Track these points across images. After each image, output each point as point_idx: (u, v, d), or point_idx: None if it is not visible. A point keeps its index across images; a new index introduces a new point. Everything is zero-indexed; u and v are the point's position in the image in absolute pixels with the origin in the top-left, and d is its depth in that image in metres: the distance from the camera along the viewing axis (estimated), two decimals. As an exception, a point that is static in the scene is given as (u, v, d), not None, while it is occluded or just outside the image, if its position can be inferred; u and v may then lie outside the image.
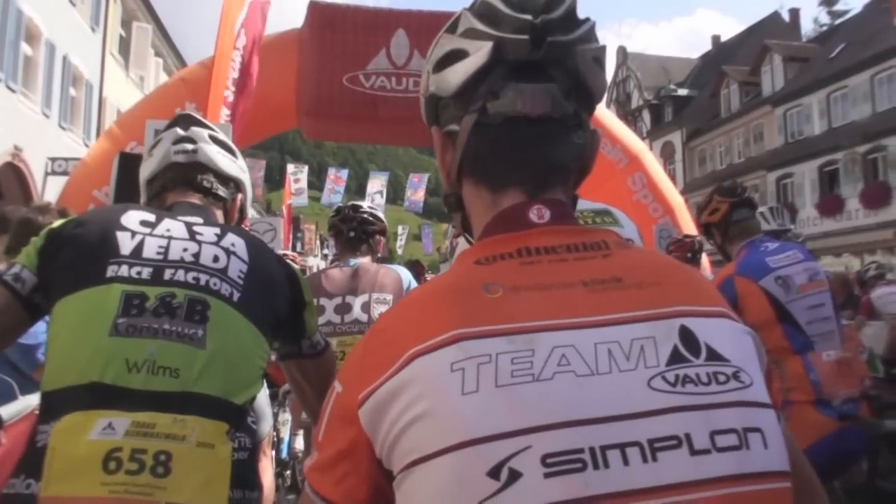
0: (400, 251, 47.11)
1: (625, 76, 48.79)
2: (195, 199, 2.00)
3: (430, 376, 0.85)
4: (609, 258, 0.99)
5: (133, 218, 1.81)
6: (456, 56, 1.06)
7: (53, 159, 16.42)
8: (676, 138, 41.91)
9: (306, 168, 30.08)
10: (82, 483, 1.44)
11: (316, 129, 13.61)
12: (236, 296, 1.78)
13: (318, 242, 52.27)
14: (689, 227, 11.82)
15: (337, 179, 30.87)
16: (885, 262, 26.40)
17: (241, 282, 1.81)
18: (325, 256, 35.26)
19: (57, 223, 1.81)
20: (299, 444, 5.89)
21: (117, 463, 1.46)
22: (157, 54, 26.38)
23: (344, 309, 3.86)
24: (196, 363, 1.63)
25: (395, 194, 46.59)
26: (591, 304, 0.91)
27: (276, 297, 1.91)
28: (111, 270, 1.68)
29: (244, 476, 1.69)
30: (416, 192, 31.14)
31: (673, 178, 32.38)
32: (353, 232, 4.27)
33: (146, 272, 1.70)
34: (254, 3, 8.35)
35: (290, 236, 28.50)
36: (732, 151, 37.73)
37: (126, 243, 1.74)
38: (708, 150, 39.97)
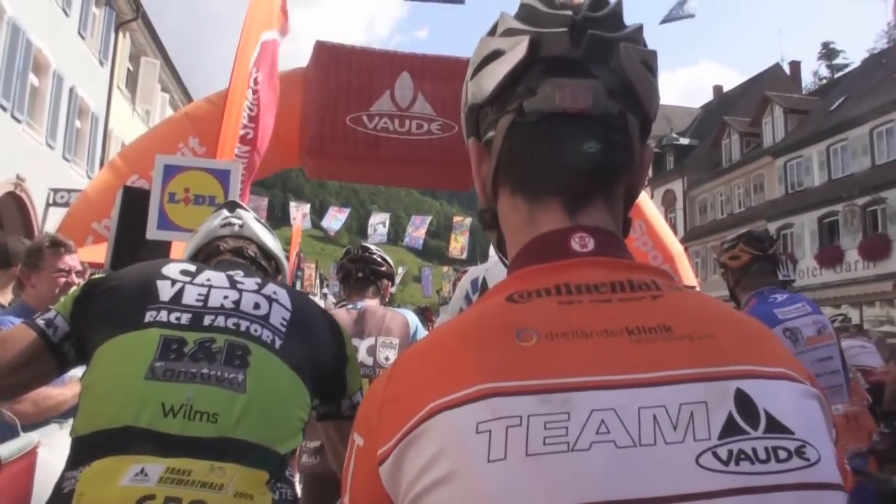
0: (393, 290, 47.14)
1: (627, 123, 49.09)
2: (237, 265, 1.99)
3: (453, 436, 0.75)
4: (658, 301, 0.88)
5: (174, 268, 1.83)
6: (492, 57, 0.99)
7: (56, 190, 16.43)
8: (678, 187, 42.06)
9: (308, 206, 30.17)
10: None
11: (318, 169, 13.67)
12: (278, 343, 1.75)
13: (317, 281, 52.20)
14: (688, 275, 11.80)
15: (339, 212, 31.00)
16: (882, 314, 26.38)
17: (283, 329, 1.79)
18: (324, 296, 35.13)
19: (97, 276, 1.83)
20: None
21: None
22: (164, 89, 26.61)
23: None
24: (235, 407, 1.58)
25: (395, 235, 46.55)
26: (636, 359, 0.80)
27: (320, 349, 1.87)
28: (149, 316, 1.67)
29: None
30: (418, 229, 31.24)
31: (674, 226, 32.49)
32: (361, 273, 4.33)
33: (185, 318, 1.69)
34: (266, 43, 8.45)
35: (293, 276, 28.52)
36: (733, 201, 37.85)
37: (166, 290, 1.74)
38: (709, 199, 40.09)
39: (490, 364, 0.80)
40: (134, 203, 5.59)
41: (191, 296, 1.74)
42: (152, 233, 5.10)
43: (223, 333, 1.69)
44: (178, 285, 1.76)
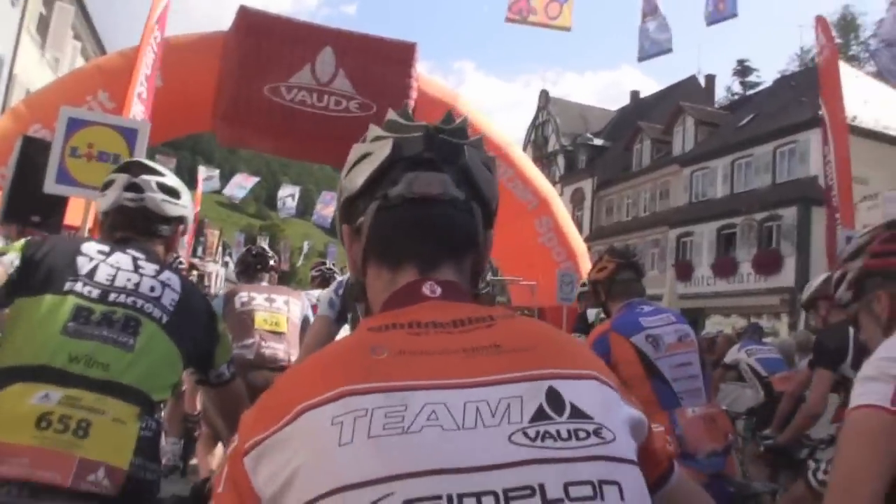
0: (298, 264, 46.71)
1: (544, 119, 49.71)
2: (141, 238, 2.47)
3: (312, 429, 0.93)
4: (492, 328, 1.08)
5: (92, 247, 2.33)
6: (362, 158, 1.21)
7: (-50, 132, 15.67)
8: (587, 186, 42.90)
9: (217, 172, 29.52)
10: (18, 434, 1.90)
11: (231, 136, 13.44)
12: (165, 319, 2.27)
13: (220, 248, 51.10)
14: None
15: (246, 179, 30.51)
16: (768, 326, 27.52)
17: (171, 309, 2.30)
18: (225, 264, 34.43)
19: (25, 241, 2.30)
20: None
21: (48, 423, 1.92)
22: (76, 37, 25.59)
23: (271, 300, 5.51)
24: (123, 361, 2.12)
25: (304, 209, 45.98)
26: (466, 368, 0.99)
27: (197, 328, 2.40)
28: (68, 285, 2.18)
29: (147, 450, 2.07)
30: (327, 206, 30.96)
31: (580, 225, 33.15)
32: (259, 265, 5.86)
33: (95, 293, 2.20)
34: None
35: (193, 241, 27.91)
36: (639, 205, 38.85)
37: (84, 265, 2.24)
38: (616, 200, 41.04)
39: (348, 372, 0.99)
40: (33, 154, 5.41)
41: (102, 274, 2.25)
42: (50, 186, 4.95)
43: (123, 308, 2.21)
44: (94, 262, 2.26)
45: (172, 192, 2.53)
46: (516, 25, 9.65)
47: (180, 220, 2.59)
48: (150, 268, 2.35)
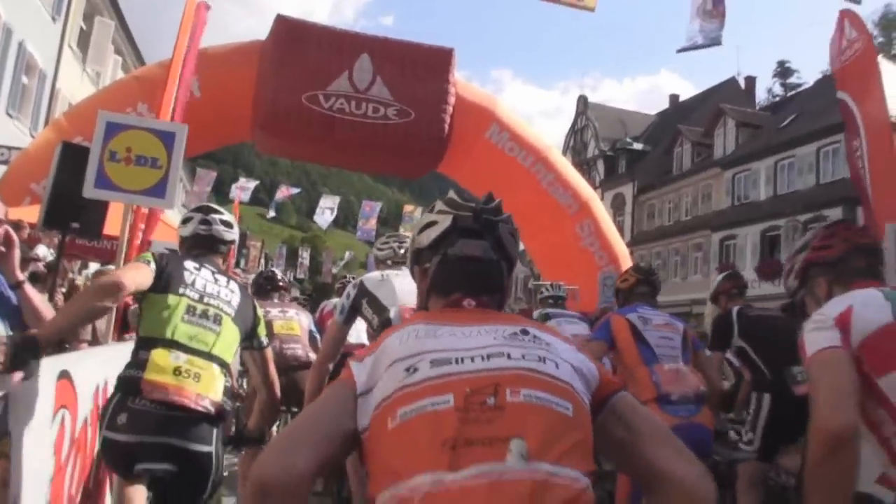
0: (335, 271, 46.94)
1: (583, 125, 49.45)
2: (209, 254, 3.84)
3: (388, 341, 1.70)
4: (505, 317, 1.83)
5: (190, 264, 3.63)
6: (430, 224, 1.91)
7: (-4, 146, 15.96)
8: (628, 191, 42.54)
9: (253, 183, 29.72)
10: (163, 376, 3.22)
11: (269, 144, 13.47)
12: (233, 314, 3.65)
13: (262, 260, 51.58)
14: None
15: (287, 194, 30.67)
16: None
17: (235, 307, 3.68)
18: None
19: (155, 255, 3.57)
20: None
21: (179, 372, 3.27)
22: (117, 52, 25.99)
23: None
24: (213, 340, 3.47)
25: (345, 220, 46.22)
26: (478, 320, 1.74)
27: (247, 317, 3.79)
28: (181, 289, 3.48)
29: (226, 392, 3.46)
30: (369, 221, 31.07)
31: (621, 229, 32.76)
32: (269, 286, 7.39)
33: (196, 296, 3.52)
34: (199, 4, 8.20)
35: (236, 252, 28.09)
36: (681, 208, 38.40)
37: (189, 276, 3.56)
38: (657, 205, 40.62)
39: (420, 317, 1.86)
40: (72, 159, 5.41)
41: (199, 284, 3.57)
42: (89, 191, 4.93)
43: (213, 307, 3.56)
44: (193, 275, 3.58)
45: (228, 224, 3.93)
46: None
47: (233, 242, 4.00)
48: (222, 279, 3.75)
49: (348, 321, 4.43)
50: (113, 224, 6.18)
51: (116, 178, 4.97)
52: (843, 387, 2.06)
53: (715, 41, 10.24)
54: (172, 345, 3.31)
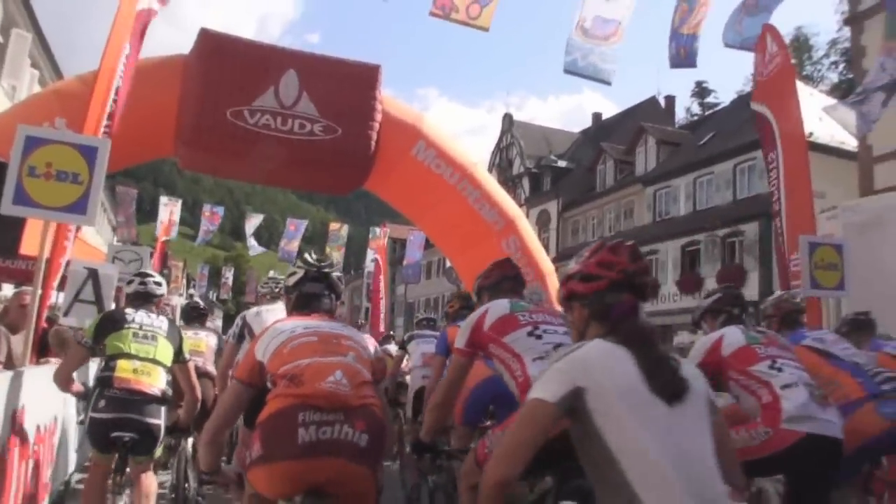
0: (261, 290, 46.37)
1: (508, 143, 49.97)
2: (145, 304, 5.39)
3: (279, 324, 3.48)
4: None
5: (129, 310, 5.23)
6: (293, 273, 3.73)
7: None
8: (553, 207, 43.13)
9: (179, 202, 29.07)
10: (126, 374, 4.87)
11: (193, 160, 13.16)
12: (164, 334, 5.21)
13: (184, 281, 50.34)
14: (556, 293, 12.05)
15: (213, 216, 30.14)
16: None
17: (166, 330, 5.24)
18: (189, 296, 34.00)
19: (96, 321, 5.19)
20: None
21: (136, 371, 4.89)
22: (34, 65, 25.13)
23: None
24: (154, 351, 5.05)
25: (269, 238, 45.62)
26: (321, 319, 3.46)
27: (176, 337, 5.34)
28: (126, 326, 5.07)
29: (168, 383, 5.23)
30: (291, 242, 30.73)
31: (547, 246, 33.19)
32: (194, 313, 9.14)
33: (137, 326, 5.11)
34: (140, 12, 8.01)
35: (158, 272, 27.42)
36: (604, 224, 39.12)
37: (129, 317, 5.15)
38: (581, 221, 41.31)
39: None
40: (-10, 175, 5.23)
41: (138, 320, 5.15)
42: (7, 207, 4.78)
43: (150, 331, 5.14)
44: (132, 315, 5.17)
45: (158, 283, 5.54)
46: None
47: (162, 295, 5.63)
48: (154, 316, 5.29)
49: (238, 342, 6.85)
50: (30, 242, 5.98)
51: (35, 194, 4.84)
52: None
53: (599, 74, 10.74)
54: (129, 356, 4.91)
